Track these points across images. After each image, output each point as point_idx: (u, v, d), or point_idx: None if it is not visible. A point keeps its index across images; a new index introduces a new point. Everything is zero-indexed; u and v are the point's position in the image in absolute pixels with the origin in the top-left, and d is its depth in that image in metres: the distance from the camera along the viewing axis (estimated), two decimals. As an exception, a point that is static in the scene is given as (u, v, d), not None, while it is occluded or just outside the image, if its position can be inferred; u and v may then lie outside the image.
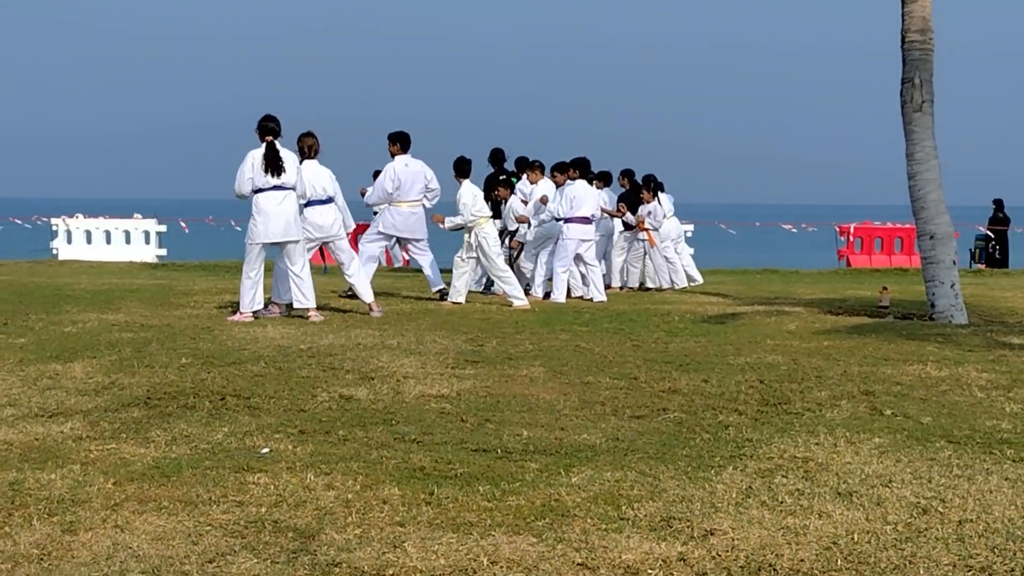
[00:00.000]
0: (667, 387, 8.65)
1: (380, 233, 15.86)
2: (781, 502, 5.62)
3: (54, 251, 27.49)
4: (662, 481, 5.99)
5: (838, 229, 29.60)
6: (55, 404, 7.89)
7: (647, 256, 18.86)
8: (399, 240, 16.23)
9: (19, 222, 32.52)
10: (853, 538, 5.08)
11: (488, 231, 15.29)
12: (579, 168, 16.89)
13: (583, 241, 16.53)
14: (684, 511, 5.46)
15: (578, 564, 4.74)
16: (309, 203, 13.40)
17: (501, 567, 4.69)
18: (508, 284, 15.16)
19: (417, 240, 15.92)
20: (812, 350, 10.63)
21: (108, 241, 27.55)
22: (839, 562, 4.78)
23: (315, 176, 13.39)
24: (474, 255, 15.42)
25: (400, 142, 15.57)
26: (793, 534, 5.13)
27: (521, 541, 5.01)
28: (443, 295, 15.56)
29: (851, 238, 28.75)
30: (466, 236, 15.41)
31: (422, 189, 15.64)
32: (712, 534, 5.12)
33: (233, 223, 31.76)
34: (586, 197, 16.55)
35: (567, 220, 16.38)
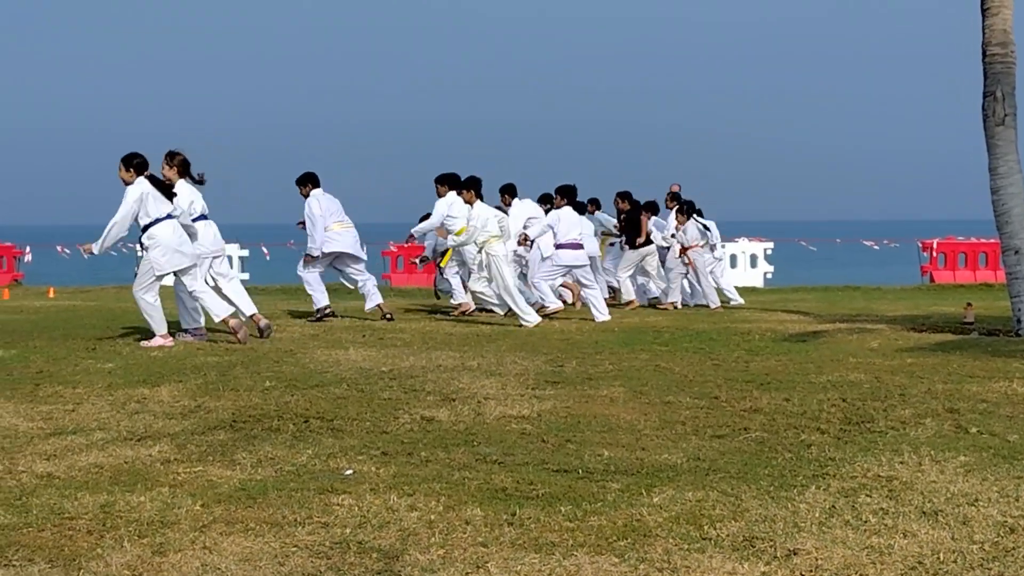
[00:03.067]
0: (748, 406, 8.62)
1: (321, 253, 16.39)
2: (865, 521, 5.58)
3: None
4: (744, 501, 5.97)
5: (921, 245, 29.25)
6: (143, 427, 8.03)
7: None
8: (337, 258, 16.63)
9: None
10: (939, 557, 5.03)
11: (497, 250, 15.77)
12: (566, 195, 17.21)
13: (576, 267, 16.83)
14: (767, 531, 5.44)
15: (661, 584, 4.75)
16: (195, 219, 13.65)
17: (584, 587, 4.71)
18: (516, 302, 15.59)
19: (357, 260, 16.51)
20: (895, 368, 10.53)
21: (192, 266, 27.93)
22: (925, 582, 4.74)
23: (194, 194, 13.79)
24: (485, 274, 16.25)
25: (311, 182, 16.37)
26: (878, 553, 5.09)
27: (603, 561, 5.02)
28: (384, 315, 16.25)
29: (934, 253, 28.40)
30: (476, 255, 16.28)
31: (341, 212, 16.46)
32: (795, 554, 5.09)
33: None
34: (571, 222, 16.75)
35: (558, 246, 16.64)
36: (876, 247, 35.97)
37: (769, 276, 27.69)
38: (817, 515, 5.69)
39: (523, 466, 6.79)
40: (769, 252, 27.94)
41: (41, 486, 6.43)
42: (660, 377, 10.08)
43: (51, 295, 22.34)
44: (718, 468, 6.71)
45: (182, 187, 13.40)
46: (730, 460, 6.93)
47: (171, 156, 13.52)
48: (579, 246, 16.77)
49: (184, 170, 13.53)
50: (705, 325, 15.36)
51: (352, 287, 16.82)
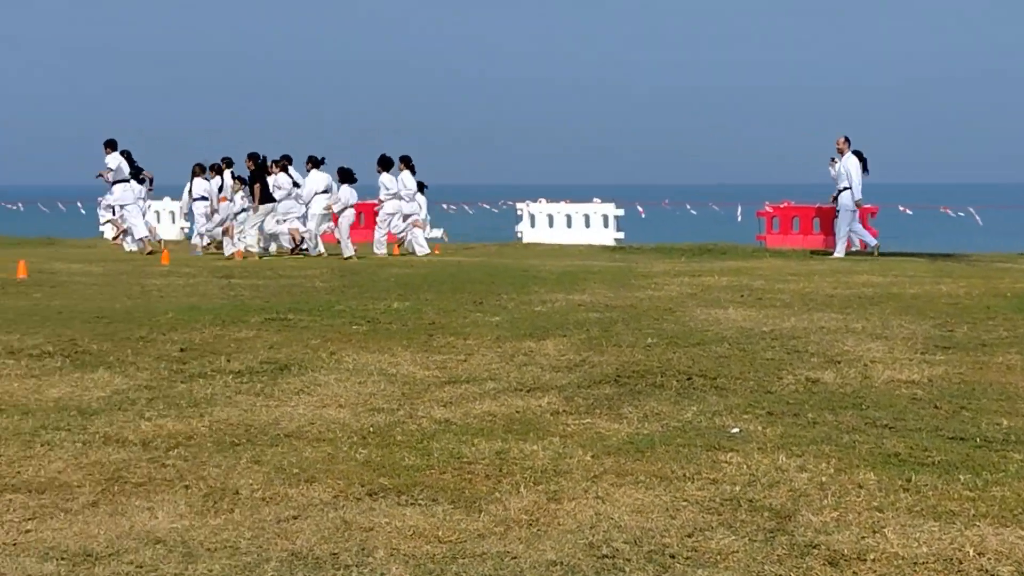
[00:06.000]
0: None
1: None
2: None
3: (519, 234, 28.77)
4: None
5: None
6: (532, 379, 8.28)
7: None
8: None
9: (487, 207, 34.27)
10: None
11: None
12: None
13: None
14: None
15: (1074, 561, 4.49)
16: None
17: (989, 559, 4.51)
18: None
19: None
20: None
21: (569, 225, 28.50)
22: None
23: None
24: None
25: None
26: None
27: (1009, 533, 4.80)
28: None
29: None
30: None
31: None
32: None
33: (688, 207, 32.13)
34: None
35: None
36: None
37: None
38: None
39: (916, 432, 6.57)
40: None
41: (440, 431, 6.76)
42: (1061, 345, 9.50)
43: (437, 252, 23.35)
44: None
45: None
46: None
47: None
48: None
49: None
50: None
51: None
